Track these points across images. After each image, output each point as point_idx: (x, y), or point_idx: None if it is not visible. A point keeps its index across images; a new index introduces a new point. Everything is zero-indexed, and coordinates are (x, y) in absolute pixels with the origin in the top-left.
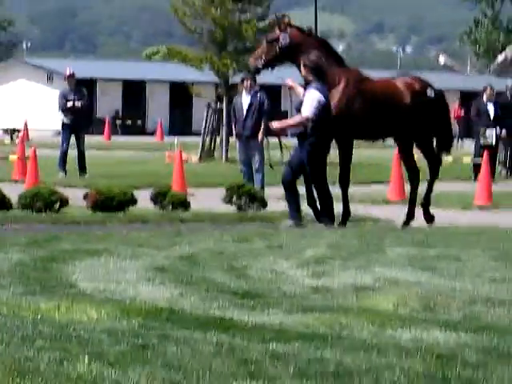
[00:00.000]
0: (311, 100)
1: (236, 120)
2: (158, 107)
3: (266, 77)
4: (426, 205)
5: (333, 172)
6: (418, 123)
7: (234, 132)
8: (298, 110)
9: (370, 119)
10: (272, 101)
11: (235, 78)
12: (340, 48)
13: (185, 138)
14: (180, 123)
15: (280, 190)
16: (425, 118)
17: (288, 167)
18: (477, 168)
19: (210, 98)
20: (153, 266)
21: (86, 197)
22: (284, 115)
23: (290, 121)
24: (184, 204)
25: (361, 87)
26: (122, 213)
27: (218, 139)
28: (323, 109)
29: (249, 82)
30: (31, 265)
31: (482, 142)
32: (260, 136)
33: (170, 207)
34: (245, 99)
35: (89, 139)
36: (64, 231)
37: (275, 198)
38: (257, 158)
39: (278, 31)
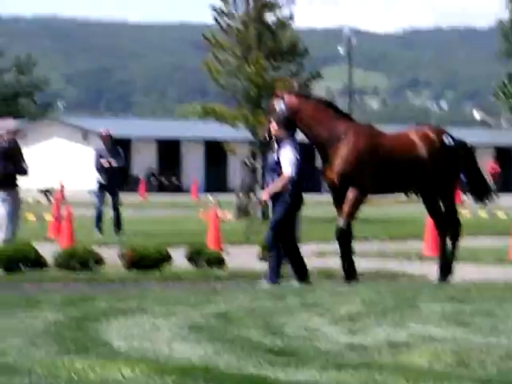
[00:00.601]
0: (289, 158)
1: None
2: (193, 165)
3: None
4: (445, 264)
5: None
6: (438, 174)
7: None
8: (273, 170)
9: (381, 173)
10: (307, 157)
11: None
12: (375, 104)
13: (220, 196)
14: (215, 181)
15: (315, 247)
16: (445, 167)
17: (268, 230)
18: None
19: (245, 155)
20: (187, 324)
21: (121, 255)
22: (317, 172)
23: (276, 185)
24: (219, 262)
25: (372, 141)
26: (158, 271)
27: (253, 196)
28: (297, 166)
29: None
30: (66, 324)
31: None
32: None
33: (206, 265)
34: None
35: (124, 198)
36: (99, 289)
37: (308, 255)
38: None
39: (277, 100)
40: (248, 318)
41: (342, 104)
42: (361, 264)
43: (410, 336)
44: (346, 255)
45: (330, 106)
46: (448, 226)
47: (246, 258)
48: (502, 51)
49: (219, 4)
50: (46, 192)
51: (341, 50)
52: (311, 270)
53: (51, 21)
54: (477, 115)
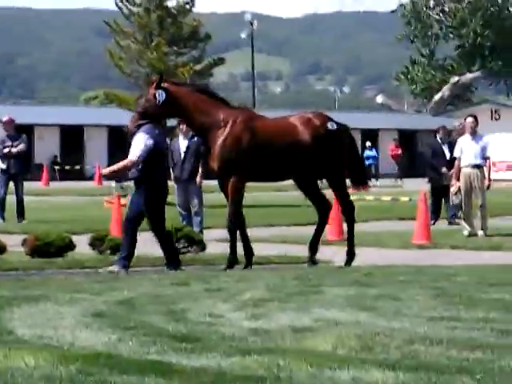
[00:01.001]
0: (137, 143)
1: (174, 164)
2: (96, 151)
3: None
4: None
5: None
6: (322, 159)
7: (172, 176)
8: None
9: (261, 159)
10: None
11: (172, 122)
12: (277, 89)
13: (124, 183)
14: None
15: (219, 233)
16: (330, 153)
17: (128, 211)
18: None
19: None
20: (91, 311)
21: (24, 243)
22: None
23: (116, 166)
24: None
25: (249, 127)
26: (61, 258)
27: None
28: (152, 152)
29: (185, 126)
30: None
31: (443, 182)
32: (198, 179)
33: (109, 252)
34: (182, 143)
35: (27, 185)
36: (1, 278)
37: (214, 241)
38: (195, 202)
39: (152, 90)
40: (151, 305)
41: (244, 89)
42: (266, 250)
43: (314, 321)
44: (236, 242)
45: (206, 92)
46: (343, 211)
47: (150, 244)
48: (404, 35)
49: None
50: None
51: (243, 34)
52: (215, 254)
53: None
54: (379, 99)
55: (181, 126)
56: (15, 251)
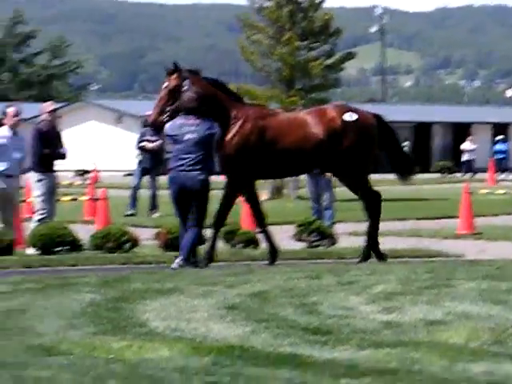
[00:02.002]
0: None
1: None
2: None
3: None
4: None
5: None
6: (336, 152)
7: None
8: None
9: (270, 158)
10: None
11: None
12: (408, 83)
13: None
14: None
15: (350, 226)
16: (344, 145)
17: None
18: None
19: None
20: (224, 304)
21: (156, 236)
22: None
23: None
24: (254, 242)
25: (260, 125)
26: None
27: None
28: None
29: None
30: (103, 305)
31: None
32: (328, 173)
33: (240, 245)
34: None
35: (162, 179)
36: (135, 271)
37: (345, 234)
38: (326, 195)
39: (177, 79)
40: (284, 298)
41: (374, 83)
42: (397, 243)
43: (446, 314)
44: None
45: (219, 86)
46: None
47: (280, 237)
48: None
49: None
50: (82, 174)
51: (373, 29)
52: (346, 248)
53: (87, 2)
54: (509, 93)
55: None
56: (148, 244)
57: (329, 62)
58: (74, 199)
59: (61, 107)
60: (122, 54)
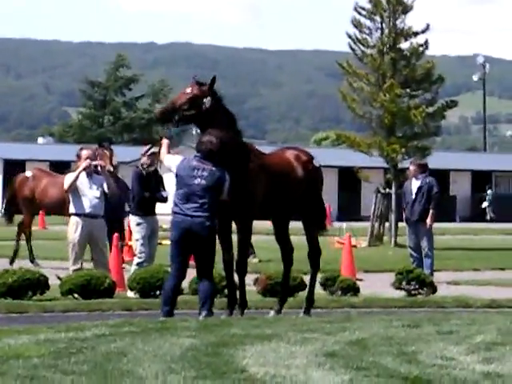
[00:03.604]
0: None
1: (406, 205)
2: (326, 192)
3: (434, 161)
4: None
5: None
6: (307, 197)
7: (403, 216)
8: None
9: (271, 196)
10: (440, 185)
11: (404, 163)
12: (508, 132)
13: (353, 224)
14: (348, 208)
15: (449, 275)
16: (316, 190)
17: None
18: None
19: (378, 183)
20: (322, 351)
21: (256, 282)
22: (452, 200)
23: None
24: (353, 289)
25: (261, 162)
26: (292, 298)
27: (386, 224)
28: None
29: (415, 168)
30: (202, 350)
31: None
32: (428, 221)
33: (340, 292)
34: (414, 184)
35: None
36: (234, 316)
37: (445, 283)
38: (425, 243)
39: (201, 88)
40: (383, 346)
41: (475, 131)
42: (497, 293)
43: None
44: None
45: (233, 124)
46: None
47: (379, 285)
48: None
49: (354, 32)
50: None
51: (475, 77)
52: (446, 297)
53: (188, 47)
54: None
55: (410, 168)
56: (247, 290)
57: (430, 109)
58: None
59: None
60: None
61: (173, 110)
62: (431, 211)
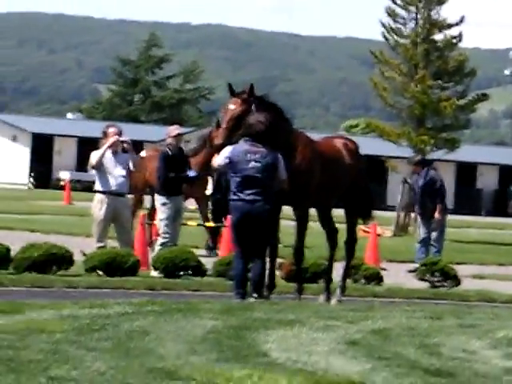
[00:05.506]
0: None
1: (415, 201)
2: None
3: (462, 154)
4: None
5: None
6: (356, 185)
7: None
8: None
9: (324, 183)
10: (465, 178)
11: (432, 154)
12: None
13: (379, 213)
14: (375, 198)
15: (474, 269)
16: (361, 179)
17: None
18: None
19: (405, 173)
20: (344, 339)
21: (280, 267)
22: (479, 193)
23: None
24: (377, 278)
25: (316, 149)
26: (315, 284)
27: (412, 214)
28: None
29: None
30: (225, 332)
31: None
32: (437, 215)
33: (363, 281)
34: (418, 181)
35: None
36: (256, 301)
37: (469, 277)
38: (436, 236)
39: (245, 104)
40: (405, 337)
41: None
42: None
43: None
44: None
45: (279, 113)
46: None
47: (403, 275)
48: None
49: (388, 21)
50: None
51: (507, 71)
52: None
53: (222, 29)
54: None
55: (411, 168)
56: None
57: (461, 102)
58: (200, 225)
59: (189, 132)
60: (253, 83)
61: (231, 137)
62: (438, 206)
